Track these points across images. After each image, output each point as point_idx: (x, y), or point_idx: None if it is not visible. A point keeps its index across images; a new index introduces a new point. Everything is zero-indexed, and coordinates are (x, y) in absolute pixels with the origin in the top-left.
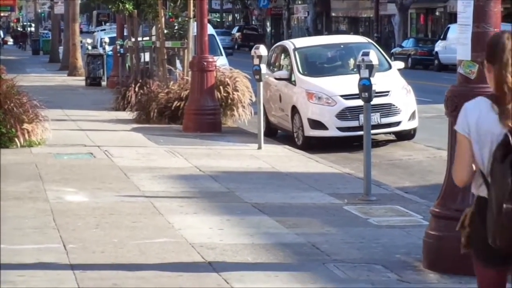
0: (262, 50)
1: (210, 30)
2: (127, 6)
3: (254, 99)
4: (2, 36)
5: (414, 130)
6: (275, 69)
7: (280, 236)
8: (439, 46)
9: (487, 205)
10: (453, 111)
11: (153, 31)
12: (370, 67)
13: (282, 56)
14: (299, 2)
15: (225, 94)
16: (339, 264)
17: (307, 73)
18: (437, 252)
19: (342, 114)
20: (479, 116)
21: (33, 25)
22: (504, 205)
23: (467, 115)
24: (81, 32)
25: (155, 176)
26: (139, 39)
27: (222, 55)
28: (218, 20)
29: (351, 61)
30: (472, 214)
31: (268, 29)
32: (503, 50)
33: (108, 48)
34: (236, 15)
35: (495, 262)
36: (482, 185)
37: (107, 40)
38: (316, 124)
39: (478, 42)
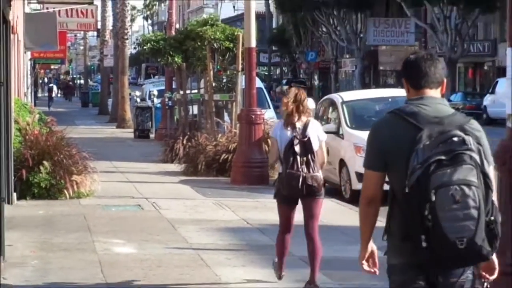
0: (310, 103)
1: (258, 83)
2: (176, 59)
3: None
4: (55, 91)
5: None
6: (323, 122)
7: None
8: (487, 100)
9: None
10: (502, 165)
11: (202, 84)
12: None
13: (330, 110)
14: (347, 56)
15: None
16: None
17: (355, 127)
18: None
19: None
20: (281, 130)
21: (82, 77)
22: (287, 171)
23: (275, 129)
24: (130, 84)
25: (203, 229)
26: (188, 91)
27: (270, 108)
28: (266, 73)
29: None
30: (277, 180)
31: (316, 82)
32: None
33: (156, 101)
34: (284, 68)
35: (286, 200)
36: (281, 166)
37: (155, 92)
38: None
39: None
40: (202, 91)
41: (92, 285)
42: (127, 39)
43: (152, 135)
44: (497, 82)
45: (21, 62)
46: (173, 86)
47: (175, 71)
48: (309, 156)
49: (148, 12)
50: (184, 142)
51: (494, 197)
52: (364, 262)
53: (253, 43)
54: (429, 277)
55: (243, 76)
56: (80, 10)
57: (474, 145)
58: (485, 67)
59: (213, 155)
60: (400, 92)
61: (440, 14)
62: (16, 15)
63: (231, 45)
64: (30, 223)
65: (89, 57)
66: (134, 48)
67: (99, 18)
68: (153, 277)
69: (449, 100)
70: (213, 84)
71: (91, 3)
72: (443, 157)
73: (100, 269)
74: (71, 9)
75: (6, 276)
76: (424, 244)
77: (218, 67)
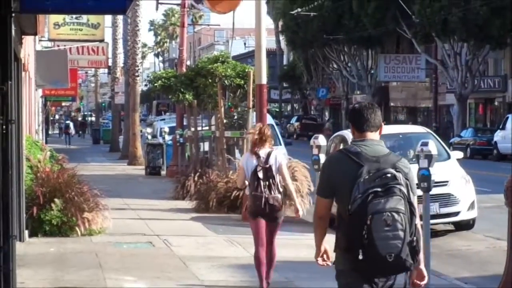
0: (321, 140)
1: (269, 119)
2: (187, 96)
3: (312, 189)
4: (72, 128)
5: (473, 220)
6: None
7: None
8: (498, 136)
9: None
10: None
11: (213, 121)
12: (429, 157)
13: (341, 146)
14: (358, 93)
15: (283, 184)
16: None
17: None
18: None
19: None
20: (248, 159)
21: (93, 114)
22: (253, 193)
23: (243, 159)
24: (141, 121)
25: (214, 265)
26: (199, 128)
27: (281, 144)
28: (277, 110)
29: (410, 151)
30: (247, 199)
31: (327, 119)
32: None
33: (167, 138)
34: (295, 105)
35: (254, 218)
36: (249, 188)
37: (166, 129)
38: None
39: None
40: (213, 128)
41: None
42: (138, 76)
43: (163, 172)
44: (507, 118)
45: (32, 99)
46: (184, 123)
47: (186, 108)
48: (271, 181)
49: (159, 49)
50: (196, 179)
51: (417, 221)
52: (319, 258)
53: (264, 80)
54: (369, 280)
55: (254, 113)
56: (91, 48)
57: (403, 180)
58: (496, 103)
59: (224, 192)
60: (411, 129)
61: (451, 50)
62: (28, 53)
63: (242, 81)
64: (41, 260)
65: (100, 94)
66: (145, 85)
67: (110, 55)
68: None
69: (459, 136)
70: (224, 121)
71: (102, 41)
72: (378, 189)
73: None
74: (82, 47)
75: None
76: (360, 257)
77: (229, 104)
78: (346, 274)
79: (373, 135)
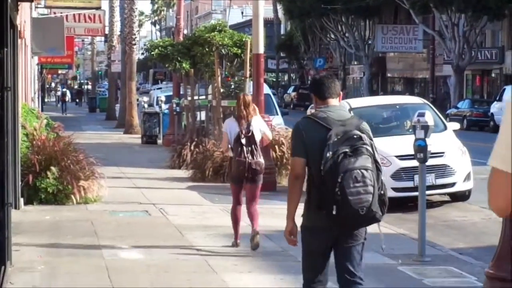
0: None
1: (266, 89)
2: (184, 65)
3: None
4: (69, 96)
5: (469, 191)
6: None
7: None
8: (494, 107)
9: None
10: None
11: (209, 90)
12: (426, 128)
13: None
14: (355, 63)
15: (280, 154)
16: None
17: None
18: None
19: (397, 175)
20: (231, 125)
21: (90, 83)
22: (236, 158)
23: (227, 125)
24: (137, 89)
25: (210, 235)
26: (195, 97)
27: (277, 114)
28: (274, 79)
29: (407, 122)
30: (230, 163)
31: None
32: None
33: (164, 107)
34: (292, 75)
35: (236, 181)
36: (232, 153)
37: (163, 98)
38: None
39: None
40: (210, 97)
41: None
42: (134, 44)
43: (159, 141)
44: (504, 89)
45: (28, 67)
46: (181, 92)
47: (183, 77)
48: (253, 146)
49: (156, 18)
50: (192, 148)
51: (382, 177)
52: (287, 235)
53: (261, 49)
54: (332, 237)
55: (251, 82)
56: (88, 15)
57: (368, 140)
58: (493, 75)
59: (221, 161)
60: (408, 99)
61: (448, 21)
62: (24, 19)
63: (239, 51)
64: (37, 228)
65: (97, 63)
66: (142, 53)
67: (107, 23)
68: (160, 283)
69: (456, 108)
70: (221, 90)
71: (98, 8)
72: (347, 150)
73: (107, 274)
74: (79, 14)
75: (14, 281)
76: (334, 212)
77: (226, 73)
78: (312, 230)
79: (335, 102)
